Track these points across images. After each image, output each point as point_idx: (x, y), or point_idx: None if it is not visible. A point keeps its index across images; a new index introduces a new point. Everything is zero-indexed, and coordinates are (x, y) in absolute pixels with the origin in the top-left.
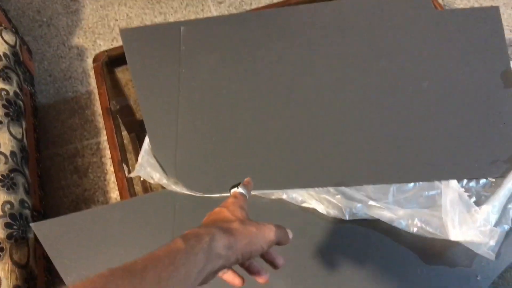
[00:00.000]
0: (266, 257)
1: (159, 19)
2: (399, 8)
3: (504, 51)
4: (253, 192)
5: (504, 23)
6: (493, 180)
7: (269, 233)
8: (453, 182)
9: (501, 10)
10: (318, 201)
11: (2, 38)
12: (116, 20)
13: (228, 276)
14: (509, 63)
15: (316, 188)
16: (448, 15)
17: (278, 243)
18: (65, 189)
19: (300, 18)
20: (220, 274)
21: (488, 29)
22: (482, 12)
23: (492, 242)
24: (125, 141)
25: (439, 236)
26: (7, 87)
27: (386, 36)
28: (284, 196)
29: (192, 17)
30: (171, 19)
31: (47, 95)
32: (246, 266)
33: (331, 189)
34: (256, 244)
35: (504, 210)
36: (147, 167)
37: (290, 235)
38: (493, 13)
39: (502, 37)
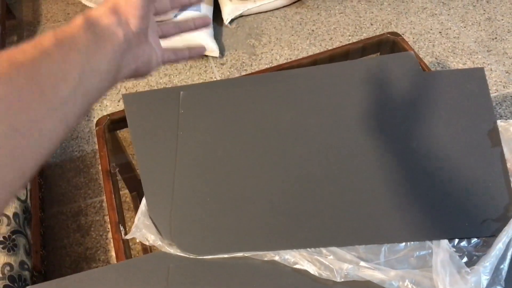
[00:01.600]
0: (175, 3)
1: (164, 80)
2: (388, 70)
3: (490, 110)
4: (246, 254)
5: (497, 79)
6: (485, 239)
7: None
8: (444, 242)
9: (493, 67)
10: (310, 262)
11: None
12: (123, 81)
13: (172, 53)
14: (495, 122)
15: (308, 249)
16: (435, 76)
17: None
18: (67, 247)
19: (295, 81)
20: (164, 58)
21: (474, 89)
22: (468, 73)
23: None
24: (127, 200)
25: None
26: None
27: (375, 97)
28: (277, 258)
29: (196, 78)
30: (176, 80)
31: (55, 154)
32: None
33: (324, 250)
34: None
35: (496, 271)
36: (142, 229)
37: None
38: (479, 73)
39: (488, 97)
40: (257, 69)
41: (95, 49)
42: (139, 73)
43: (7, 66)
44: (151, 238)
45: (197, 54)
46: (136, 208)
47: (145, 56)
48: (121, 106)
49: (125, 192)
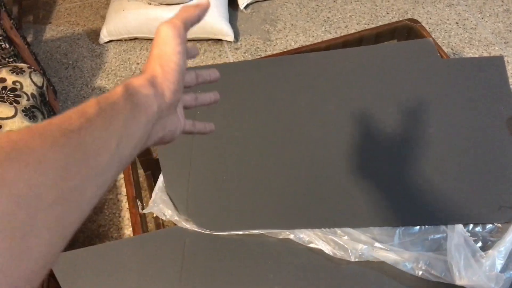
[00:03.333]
0: (199, 80)
1: None
2: (406, 57)
3: (509, 98)
4: (261, 231)
5: None
6: (500, 225)
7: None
8: (459, 227)
9: (510, 59)
10: (324, 241)
11: (31, 79)
12: (138, 63)
13: (191, 125)
14: None
15: (323, 229)
16: (453, 63)
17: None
18: (81, 224)
19: (311, 65)
20: (186, 128)
21: (493, 77)
22: (487, 61)
23: None
24: (140, 179)
25: (443, 280)
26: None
27: (393, 83)
28: (292, 236)
29: (210, 62)
30: (190, 64)
31: None
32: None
33: (338, 230)
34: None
35: (510, 256)
36: (160, 204)
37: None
38: (498, 62)
39: (507, 85)
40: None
41: (132, 119)
42: (164, 141)
43: (59, 135)
44: (168, 213)
45: (210, 131)
46: (149, 187)
47: (172, 125)
48: None
49: (139, 172)
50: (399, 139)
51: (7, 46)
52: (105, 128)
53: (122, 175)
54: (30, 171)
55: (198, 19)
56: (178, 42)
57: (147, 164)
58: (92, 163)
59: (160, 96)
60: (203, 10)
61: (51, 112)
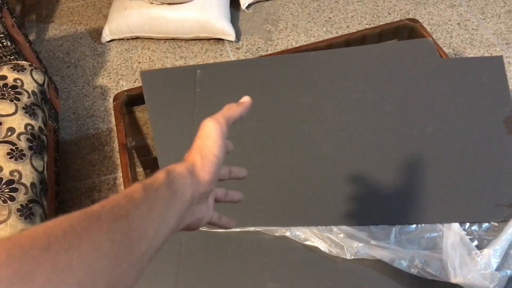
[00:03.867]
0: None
1: (179, 63)
2: (406, 56)
3: (507, 98)
4: (257, 228)
5: None
6: (496, 224)
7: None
8: (455, 225)
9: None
10: (321, 239)
11: (32, 77)
12: (139, 62)
13: (218, 218)
14: None
15: (319, 227)
16: (453, 63)
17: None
18: None
19: (311, 64)
20: (213, 220)
21: (491, 77)
22: (486, 61)
23: (493, 286)
24: (140, 178)
25: (439, 278)
26: (32, 122)
27: (392, 82)
28: (288, 234)
29: (211, 61)
30: (191, 63)
31: (70, 131)
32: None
33: (334, 228)
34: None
35: (506, 255)
36: None
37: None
38: (497, 62)
39: (505, 85)
40: None
41: (170, 206)
42: (190, 228)
43: (111, 220)
44: None
45: (232, 226)
46: None
47: (200, 214)
48: (137, 86)
49: (139, 170)
50: (397, 138)
51: (9, 43)
52: (147, 214)
53: (120, 174)
54: (89, 258)
55: (240, 117)
56: (219, 137)
57: (147, 163)
58: (136, 249)
59: (195, 184)
60: (246, 108)
61: (52, 110)
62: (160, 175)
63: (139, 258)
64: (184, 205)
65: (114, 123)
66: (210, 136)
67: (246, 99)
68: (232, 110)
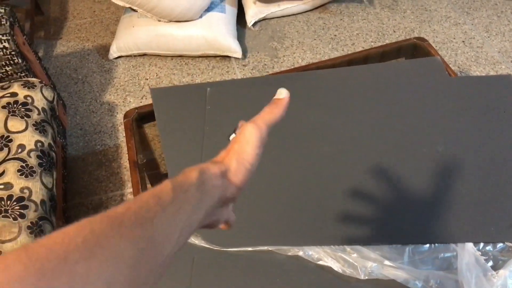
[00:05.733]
0: None
1: (186, 79)
2: (414, 75)
3: None
4: (270, 248)
5: None
6: (511, 244)
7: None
8: (469, 245)
9: None
10: (334, 259)
11: (42, 94)
12: (146, 79)
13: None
14: None
15: (332, 246)
16: (462, 81)
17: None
18: None
19: (319, 82)
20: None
21: (501, 96)
22: (495, 80)
23: None
24: None
25: None
26: (42, 139)
27: (401, 101)
28: (301, 253)
29: (218, 78)
30: (198, 80)
31: (77, 147)
32: None
33: (348, 247)
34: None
35: None
36: None
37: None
38: (506, 80)
39: None
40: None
41: (196, 209)
42: (208, 227)
43: (136, 225)
44: None
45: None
46: None
47: (221, 216)
48: (144, 103)
49: (148, 186)
50: (408, 157)
51: (20, 61)
52: (174, 217)
53: (129, 190)
54: (108, 266)
55: (281, 118)
56: (258, 144)
57: (156, 179)
58: (159, 254)
59: (225, 188)
60: (285, 107)
61: (60, 126)
62: (192, 174)
63: (161, 262)
64: (210, 207)
65: (121, 139)
66: (249, 142)
67: (283, 94)
68: (272, 113)
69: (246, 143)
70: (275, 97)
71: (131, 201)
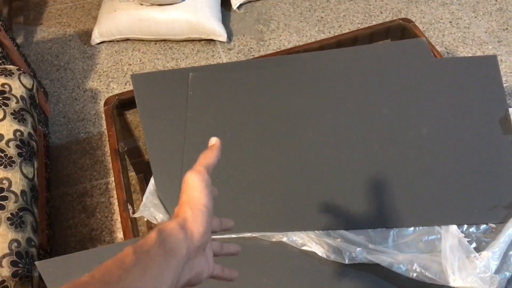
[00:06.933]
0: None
1: (171, 64)
2: (399, 56)
3: (502, 98)
4: (254, 234)
5: (507, 70)
6: (494, 226)
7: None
8: (453, 228)
9: (504, 57)
10: (318, 244)
11: (21, 81)
12: (130, 64)
13: (220, 269)
14: (507, 109)
15: (316, 231)
16: (447, 63)
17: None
18: (73, 228)
19: (303, 65)
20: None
21: (486, 77)
22: (480, 60)
23: None
24: (133, 182)
25: (438, 281)
26: (21, 128)
27: (387, 83)
28: (285, 239)
29: (203, 62)
30: (183, 65)
31: (60, 135)
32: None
33: (332, 232)
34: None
35: (505, 257)
36: (150, 208)
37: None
38: (491, 61)
39: (500, 84)
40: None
41: (165, 265)
42: (191, 283)
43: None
44: (159, 216)
45: (235, 278)
46: (142, 190)
47: (199, 268)
48: (127, 89)
49: (131, 174)
50: (392, 140)
51: None
52: (141, 278)
53: (112, 178)
54: None
55: (217, 160)
56: (203, 186)
57: (139, 167)
58: None
59: (189, 239)
60: (219, 150)
61: (41, 114)
62: (151, 235)
63: None
64: (180, 262)
65: (105, 126)
66: (195, 187)
67: (214, 141)
68: (208, 157)
69: (192, 190)
70: (208, 145)
71: (95, 269)
